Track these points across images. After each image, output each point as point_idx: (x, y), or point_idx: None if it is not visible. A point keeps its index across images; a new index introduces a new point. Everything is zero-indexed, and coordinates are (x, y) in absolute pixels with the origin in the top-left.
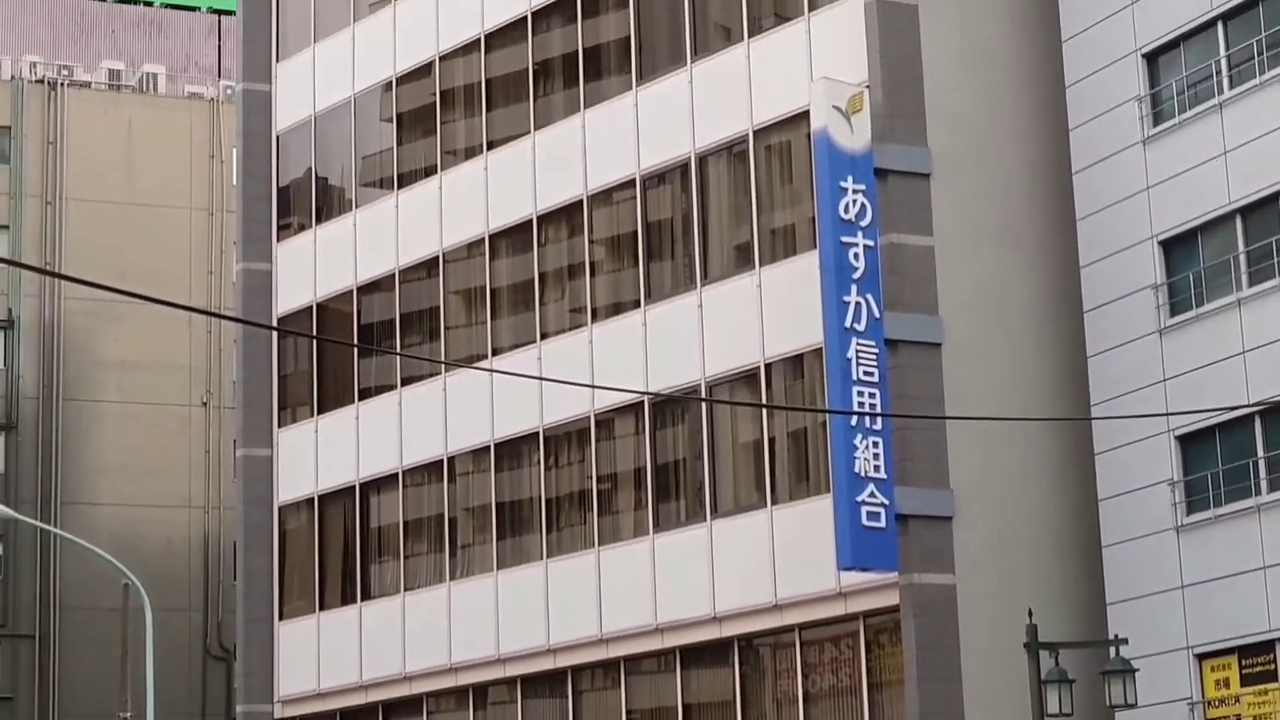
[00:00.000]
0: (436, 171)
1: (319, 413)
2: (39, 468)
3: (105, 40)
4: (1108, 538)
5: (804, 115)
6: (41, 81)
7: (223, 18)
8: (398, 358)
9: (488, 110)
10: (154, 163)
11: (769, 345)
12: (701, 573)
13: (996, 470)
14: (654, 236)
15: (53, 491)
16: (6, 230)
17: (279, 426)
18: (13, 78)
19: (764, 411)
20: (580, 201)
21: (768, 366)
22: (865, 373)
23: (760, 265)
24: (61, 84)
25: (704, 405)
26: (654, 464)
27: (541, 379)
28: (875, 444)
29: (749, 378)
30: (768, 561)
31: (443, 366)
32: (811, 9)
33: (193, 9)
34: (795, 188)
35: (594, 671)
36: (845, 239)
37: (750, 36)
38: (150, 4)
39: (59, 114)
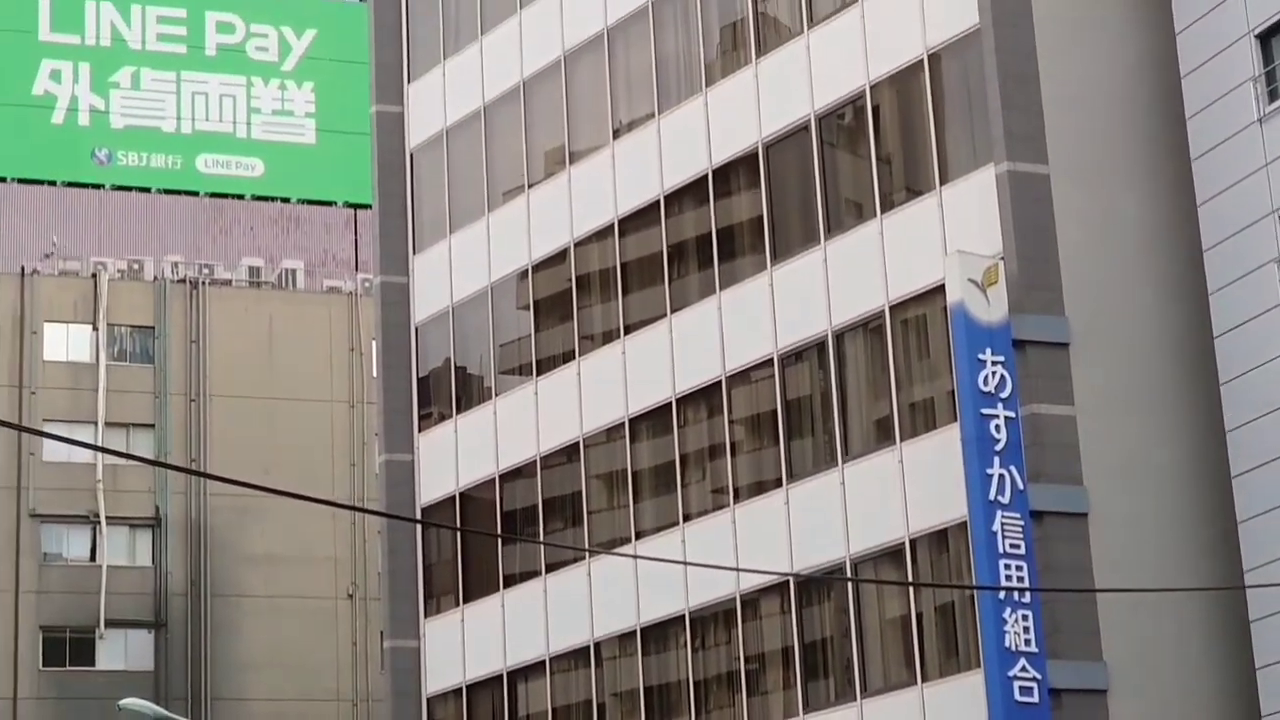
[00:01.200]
0: (574, 357)
1: (464, 602)
2: (189, 664)
3: (244, 237)
4: (1267, 707)
5: (939, 289)
6: (183, 281)
7: (359, 211)
8: (541, 546)
9: (624, 294)
10: (295, 357)
11: (913, 520)
12: None
13: (1150, 641)
14: (793, 415)
15: (203, 688)
16: (152, 429)
17: (425, 617)
18: (155, 278)
19: (911, 588)
20: (719, 382)
21: (912, 542)
22: (1011, 545)
23: (901, 440)
24: (203, 283)
25: (850, 583)
26: (801, 643)
27: (686, 563)
28: (1025, 618)
29: (894, 554)
30: None
31: (587, 553)
32: (943, 182)
33: (329, 204)
34: (933, 361)
35: None
36: (986, 411)
37: (883, 212)
38: (287, 200)
39: (201, 312)
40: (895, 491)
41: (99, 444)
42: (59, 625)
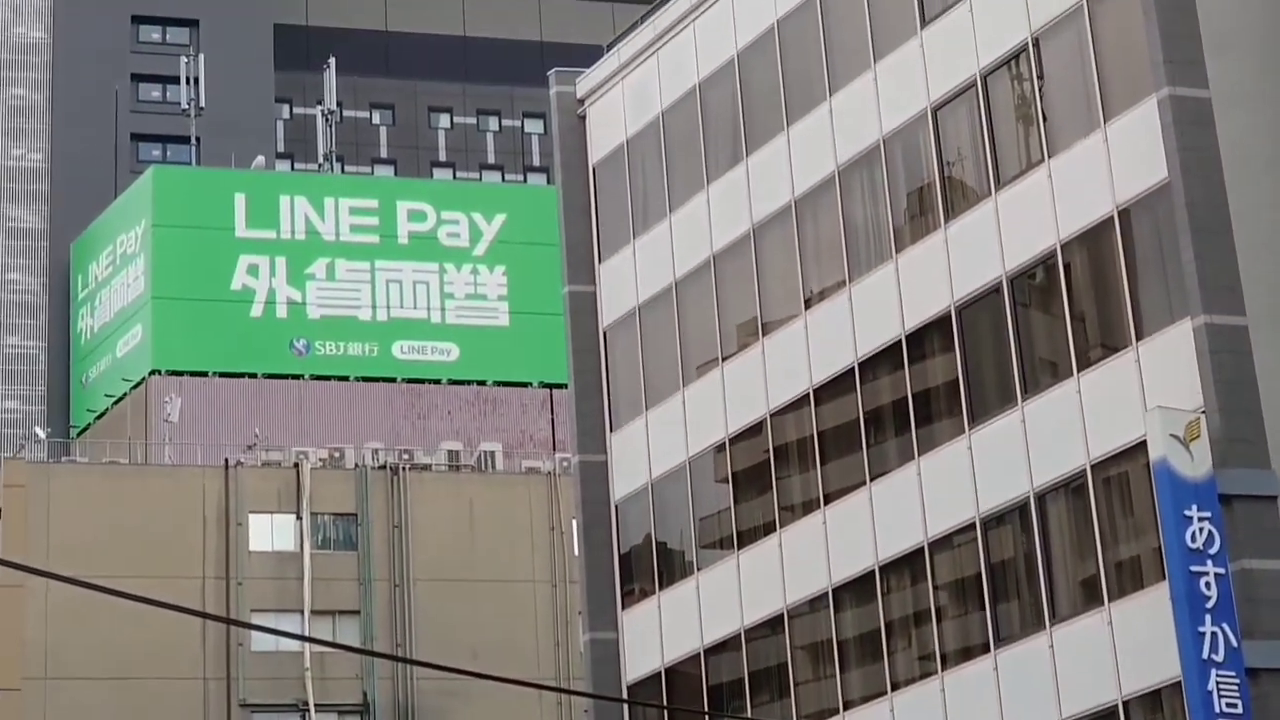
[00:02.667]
0: (775, 528)
1: None
2: None
3: (442, 421)
4: None
5: (1141, 445)
6: (384, 467)
7: (554, 391)
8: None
9: (822, 463)
10: (496, 538)
11: (1125, 682)
12: None
13: None
14: (998, 578)
15: None
16: (357, 616)
17: None
18: (356, 466)
19: None
20: (921, 548)
21: (1125, 704)
22: (1228, 704)
23: (1109, 600)
24: (403, 468)
25: None
26: None
27: None
28: None
29: (1107, 716)
30: None
31: None
32: (1139, 338)
33: (524, 385)
34: (1138, 519)
35: None
36: (1194, 568)
37: (1079, 370)
38: (483, 383)
39: (402, 498)
40: (1105, 653)
41: (305, 633)
42: None
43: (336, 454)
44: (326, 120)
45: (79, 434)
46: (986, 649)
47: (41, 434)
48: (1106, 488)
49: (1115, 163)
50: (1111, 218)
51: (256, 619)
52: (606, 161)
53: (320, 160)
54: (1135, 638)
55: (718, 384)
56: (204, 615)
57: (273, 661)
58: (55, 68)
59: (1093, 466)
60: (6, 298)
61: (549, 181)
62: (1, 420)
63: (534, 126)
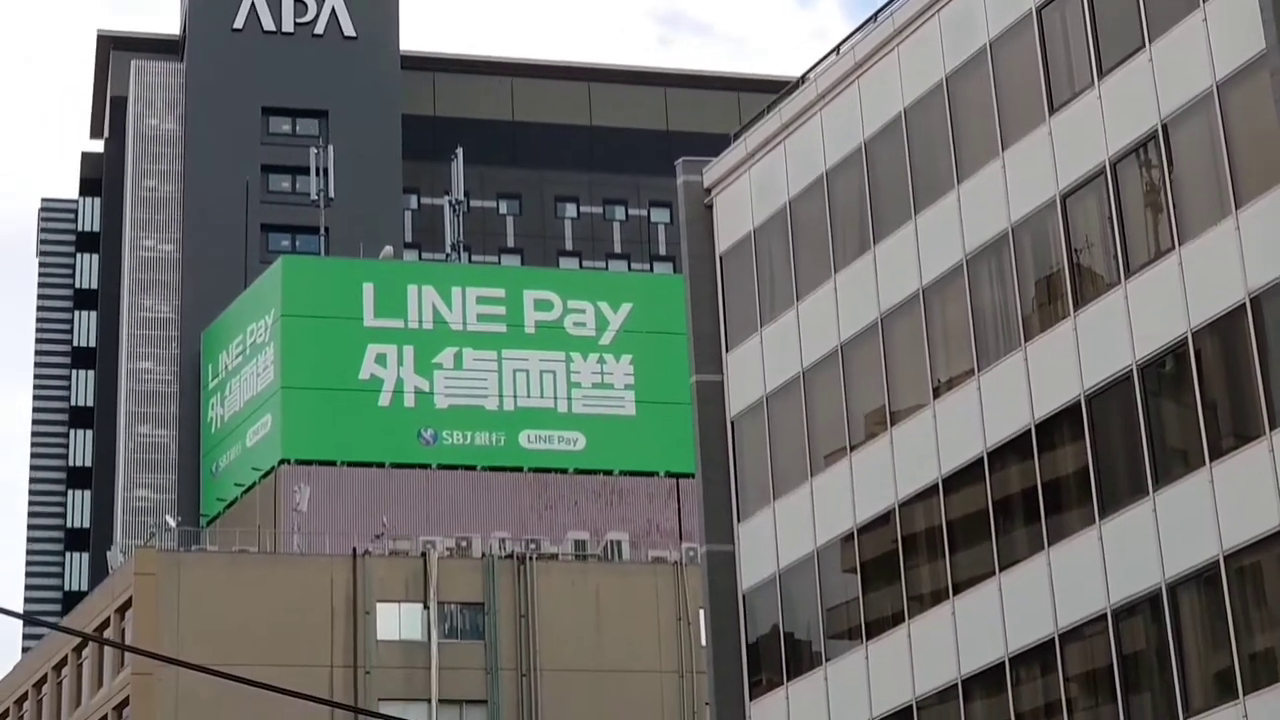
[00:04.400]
0: (904, 619)
1: None
2: None
3: (569, 511)
4: None
5: (1276, 536)
6: (510, 557)
7: (680, 481)
8: None
9: (951, 553)
10: (623, 628)
11: None
12: None
13: None
14: (1130, 670)
15: None
16: (484, 705)
17: None
18: (483, 555)
19: None
20: (1052, 640)
21: None
22: None
23: (1243, 694)
24: (530, 558)
25: None
26: None
27: None
28: None
29: None
30: None
31: None
32: (1273, 426)
33: (651, 474)
34: (1272, 610)
35: None
36: None
37: (1212, 459)
38: (609, 472)
39: (529, 587)
40: None
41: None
42: None
43: (463, 543)
44: (454, 210)
45: (209, 522)
46: None
47: (172, 523)
48: (1240, 578)
49: (1247, 249)
50: (1243, 305)
51: (384, 708)
52: (733, 250)
53: (447, 250)
54: None
55: (845, 473)
56: (333, 704)
57: None
58: (186, 159)
59: (1226, 557)
60: (138, 387)
61: (675, 270)
62: (133, 509)
63: (660, 215)
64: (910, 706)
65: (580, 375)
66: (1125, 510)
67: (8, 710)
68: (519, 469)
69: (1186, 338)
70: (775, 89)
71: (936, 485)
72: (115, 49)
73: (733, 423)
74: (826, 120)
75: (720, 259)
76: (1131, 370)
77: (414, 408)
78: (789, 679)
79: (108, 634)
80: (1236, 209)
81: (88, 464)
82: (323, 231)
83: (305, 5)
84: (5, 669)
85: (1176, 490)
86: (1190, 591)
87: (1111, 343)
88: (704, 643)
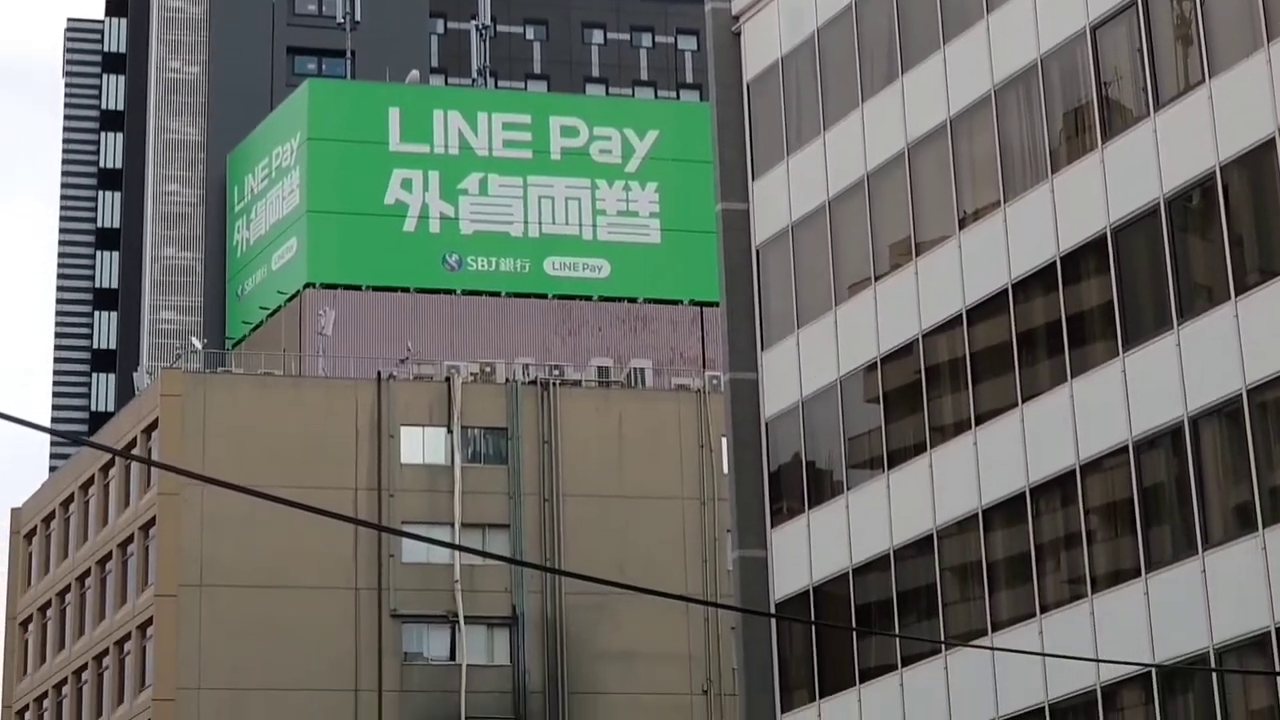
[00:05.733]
0: (925, 449)
1: (820, 697)
2: None
3: (592, 338)
4: None
5: None
6: (534, 383)
7: (705, 309)
8: (897, 640)
9: (974, 384)
10: (645, 455)
11: (1278, 608)
12: None
13: None
14: (1150, 503)
15: None
16: (507, 529)
17: (781, 713)
18: (507, 381)
19: (1278, 679)
20: (1073, 471)
21: (1278, 630)
22: None
23: (1263, 527)
24: (553, 384)
25: (1214, 675)
26: None
27: (1045, 655)
28: None
29: (1259, 644)
30: None
31: (943, 646)
32: None
33: (675, 302)
34: None
35: None
36: None
37: (1236, 295)
38: (634, 300)
39: (552, 413)
40: (1259, 579)
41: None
42: None
43: (487, 369)
44: (480, 35)
45: (234, 345)
46: (1137, 573)
47: (198, 345)
48: (1262, 412)
49: (1277, 82)
50: (1273, 139)
51: (408, 531)
52: (761, 78)
53: (474, 75)
54: None
55: (870, 303)
56: (358, 522)
57: (423, 573)
58: None
59: (1249, 391)
60: (164, 209)
61: (702, 98)
62: (159, 331)
63: (687, 43)
64: (931, 536)
65: (605, 202)
66: (1149, 343)
67: (35, 528)
68: (543, 295)
69: (1214, 172)
70: None
71: (960, 316)
72: None
73: (758, 251)
74: None
75: (747, 87)
76: (1158, 204)
77: (439, 233)
78: (810, 507)
79: (133, 465)
80: (1268, 42)
81: (114, 286)
82: (349, 55)
83: None
84: (33, 488)
85: (1200, 324)
86: (1212, 425)
87: (1139, 176)
88: (726, 470)
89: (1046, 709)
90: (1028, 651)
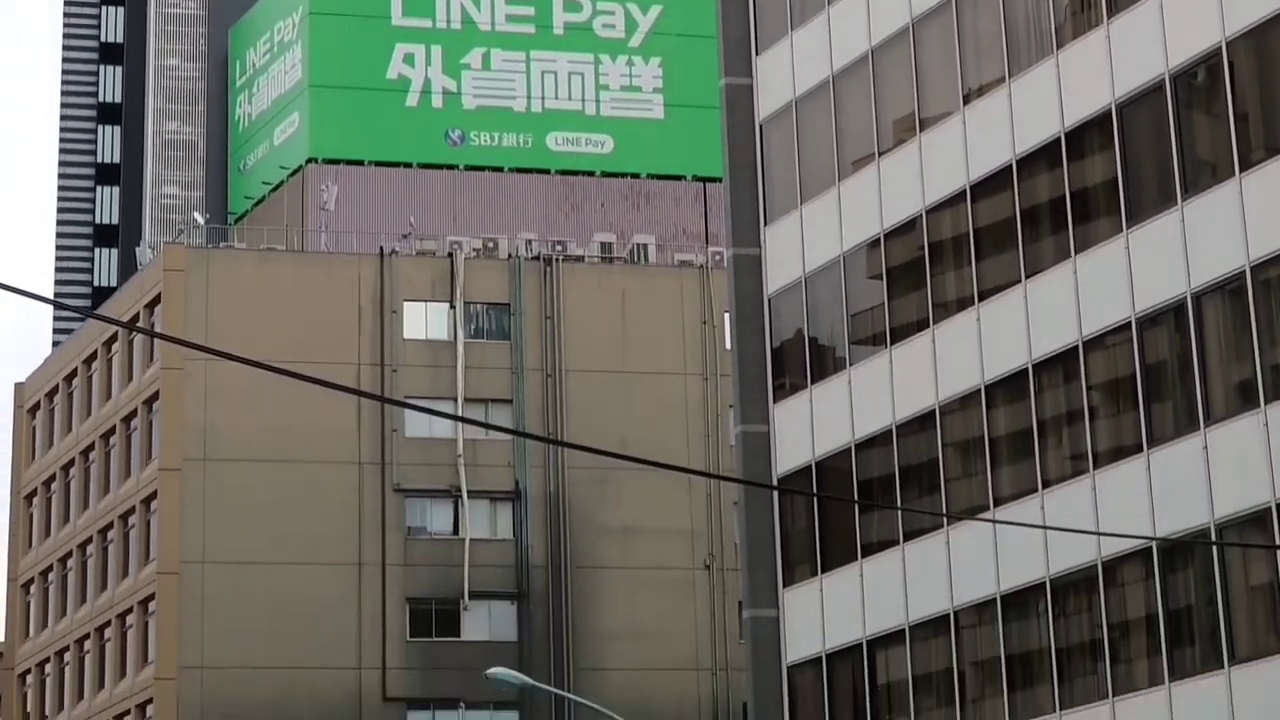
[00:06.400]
0: (928, 325)
1: (822, 571)
2: (550, 636)
3: (595, 214)
4: None
5: None
6: (537, 258)
7: (708, 185)
8: (899, 515)
9: (977, 261)
10: (648, 331)
11: (1279, 484)
12: None
13: None
14: (1152, 379)
15: (565, 658)
16: (510, 404)
17: (783, 586)
18: (509, 256)
19: (1279, 553)
20: (1075, 347)
21: (1279, 506)
22: None
23: (1265, 403)
24: (556, 259)
25: (1214, 549)
26: (1165, 610)
27: (1046, 528)
28: None
29: (1259, 519)
30: None
31: (945, 520)
32: None
33: (678, 178)
34: None
35: None
36: None
37: (1241, 171)
38: (637, 176)
39: (555, 289)
40: (1259, 455)
41: (459, 416)
42: (425, 597)
43: (490, 244)
44: None
45: (236, 220)
46: (1139, 449)
47: (200, 220)
48: (1265, 289)
49: None
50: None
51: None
52: None
53: None
54: None
55: (873, 179)
56: (362, 394)
57: (426, 447)
58: None
59: (1252, 268)
60: (166, 84)
61: None
62: (161, 206)
63: None
64: (933, 411)
65: (609, 77)
66: (1152, 220)
67: (38, 403)
68: (546, 171)
69: (1220, 47)
70: None
71: (964, 192)
72: None
73: (761, 127)
74: None
75: None
76: (1164, 80)
77: (441, 109)
78: (812, 382)
79: (136, 340)
80: None
81: (116, 161)
82: None
83: None
84: (37, 363)
85: (1204, 201)
86: (1214, 301)
87: (1144, 52)
88: (728, 346)
89: (1047, 584)
90: (1029, 524)
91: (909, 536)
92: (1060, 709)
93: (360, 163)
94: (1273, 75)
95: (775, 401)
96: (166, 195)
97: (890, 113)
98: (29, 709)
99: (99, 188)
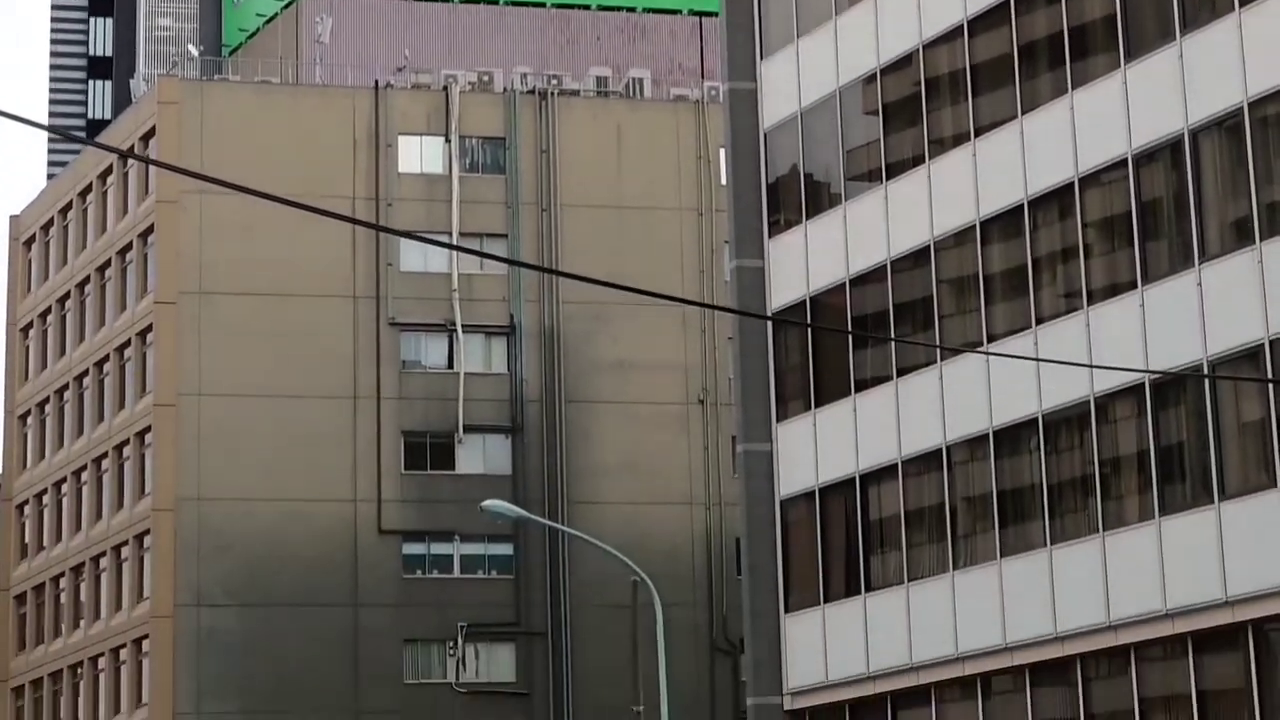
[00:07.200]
0: (924, 161)
1: (816, 406)
2: (544, 469)
3: (591, 48)
4: None
5: None
6: (532, 92)
7: (704, 19)
8: (892, 350)
9: (974, 96)
10: (643, 166)
11: (1272, 321)
12: (1210, 556)
13: None
14: (1148, 216)
15: (559, 492)
16: (504, 239)
17: (777, 421)
18: (505, 90)
19: (1270, 389)
20: (1071, 184)
21: (1271, 343)
22: None
23: (1260, 240)
24: (551, 93)
25: (1206, 385)
26: (1157, 446)
27: (1038, 359)
28: None
29: (1251, 355)
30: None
31: (938, 355)
32: None
33: (674, 12)
34: None
35: (1102, 660)
36: None
37: (1241, 6)
38: (633, 9)
39: (550, 123)
40: (1254, 292)
41: (453, 256)
42: (419, 431)
43: (485, 78)
44: None
45: (230, 53)
46: (1133, 285)
47: (194, 52)
48: (1263, 126)
49: None
50: None
51: (405, 241)
52: None
53: None
54: None
55: (870, 12)
56: (359, 223)
57: (421, 282)
58: None
59: (1249, 104)
60: None
61: None
62: (155, 38)
63: None
64: (928, 247)
65: None
66: (1150, 55)
67: (34, 235)
68: (542, 4)
69: None
70: None
71: (961, 27)
72: None
73: None
74: None
75: None
76: None
77: None
78: (807, 218)
79: (131, 173)
80: None
81: None
82: None
83: None
84: (32, 196)
85: (1203, 37)
86: (1211, 138)
87: None
88: (724, 181)
89: (1040, 419)
90: (1021, 356)
91: (902, 371)
92: (1051, 543)
93: None
94: None
95: (770, 237)
96: (161, 27)
97: None
98: (27, 540)
99: (92, 19)
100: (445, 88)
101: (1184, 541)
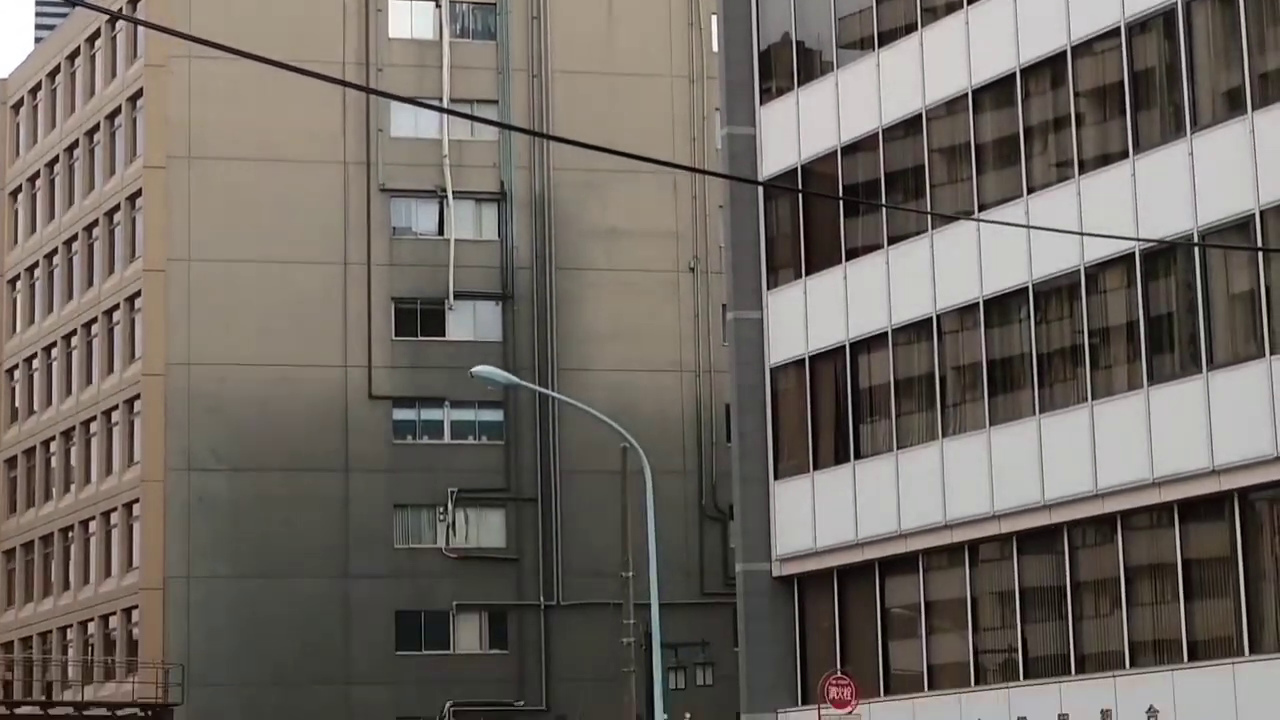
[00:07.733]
0: (917, 29)
1: (806, 274)
2: (535, 336)
3: None
4: None
5: None
6: None
7: None
8: (883, 218)
9: None
10: (634, 32)
11: (1263, 191)
12: (1198, 425)
13: None
14: (1140, 86)
15: (549, 359)
16: (495, 105)
17: (767, 289)
18: None
19: (1259, 259)
20: (1064, 53)
21: (1262, 213)
22: None
23: (1252, 110)
24: None
25: (1196, 254)
26: (1146, 316)
27: (1029, 226)
28: None
29: (1241, 226)
30: (1266, 412)
31: (929, 224)
32: None
33: None
34: None
35: (1088, 528)
36: None
37: None
38: None
39: None
40: (1245, 162)
41: (445, 123)
42: (410, 297)
43: None
44: None
45: None
46: (1125, 155)
47: None
48: None
49: None
50: None
51: (395, 107)
52: None
53: None
54: (1275, 147)
55: None
56: (349, 85)
57: (411, 148)
58: None
59: None
60: None
61: None
62: None
63: None
64: (920, 115)
65: None
66: None
67: (22, 99)
68: None
69: None
70: None
71: None
72: None
73: None
74: None
75: None
76: None
77: None
78: (800, 85)
79: (119, 37)
80: None
81: None
82: None
83: None
84: (19, 60)
85: None
86: (1205, 7)
87: None
88: (715, 48)
89: (1030, 288)
90: (1011, 223)
91: (893, 240)
92: (1040, 412)
93: None
94: None
95: (762, 104)
96: None
97: None
98: (16, 404)
99: None
100: None
101: (1172, 411)
